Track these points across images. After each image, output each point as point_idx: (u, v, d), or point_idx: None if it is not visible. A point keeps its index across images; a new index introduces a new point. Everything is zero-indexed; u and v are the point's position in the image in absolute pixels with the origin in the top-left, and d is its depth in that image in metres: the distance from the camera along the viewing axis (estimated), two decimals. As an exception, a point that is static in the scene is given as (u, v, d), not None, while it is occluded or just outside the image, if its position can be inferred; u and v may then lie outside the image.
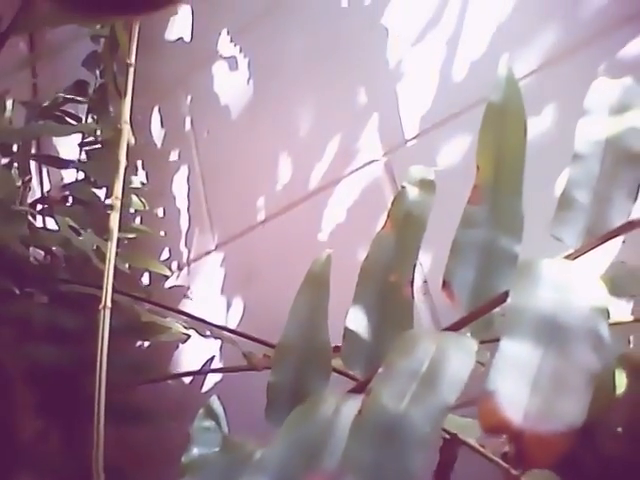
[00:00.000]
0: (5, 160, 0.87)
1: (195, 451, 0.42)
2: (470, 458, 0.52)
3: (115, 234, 0.45)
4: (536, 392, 0.22)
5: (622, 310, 0.50)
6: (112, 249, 0.45)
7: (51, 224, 0.92)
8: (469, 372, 0.28)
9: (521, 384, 0.22)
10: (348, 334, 0.38)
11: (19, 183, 0.86)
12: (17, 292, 0.70)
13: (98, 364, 0.40)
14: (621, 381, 0.48)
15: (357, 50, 0.80)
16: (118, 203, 0.46)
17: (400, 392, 0.26)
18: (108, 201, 0.89)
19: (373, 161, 0.76)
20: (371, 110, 0.77)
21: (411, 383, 0.27)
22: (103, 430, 0.48)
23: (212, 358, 0.86)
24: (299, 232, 0.81)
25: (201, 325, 0.77)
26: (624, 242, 0.56)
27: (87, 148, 0.94)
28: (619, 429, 0.48)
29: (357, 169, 0.77)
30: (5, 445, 0.83)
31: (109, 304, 0.45)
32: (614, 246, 0.56)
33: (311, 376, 0.39)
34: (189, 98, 0.98)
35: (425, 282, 0.69)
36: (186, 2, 0.97)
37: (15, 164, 0.87)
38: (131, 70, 0.58)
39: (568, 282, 0.27)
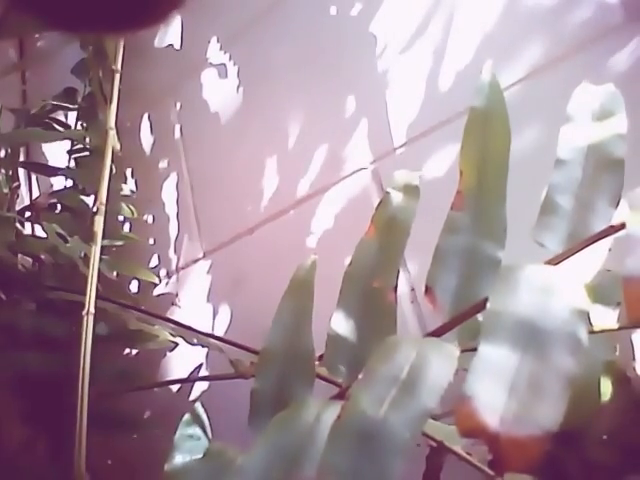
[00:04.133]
0: (-7, 167, 0.87)
1: (178, 458, 0.42)
2: (457, 466, 0.52)
3: (99, 239, 0.45)
4: (513, 396, 0.22)
5: (608, 318, 0.50)
6: (96, 254, 0.45)
7: (39, 232, 0.91)
8: (449, 378, 0.27)
9: (498, 388, 0.22)
10: (331, 340, 0.38)
11: (6, 190, 0.85)
12: (3, 298, 0.69)
13: (81, 370, 0.40)
14: (606, 389, 0.48)
15: (346, 58, 0.81)
16: (103, 208, 0.46)
17: (380, 397, 0.26)
18: (96, 208, 0.89)
19: (361, 169, 0.76)
20: (359, 118, 0.78)
21: (391, 388, 0.27)
22: (85, 437, 0.47)
23: (199, 366, 0.86)
24: (287, 240, 0.81)
25: (188, 333, 0.76)
26: (610, 250, 0.56)
27: (76, 155, 0.93)
28: (604, 436, 0.48)
29: (345, 177, 0.77)
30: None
31: (92, 310, 0.45)
32: (600, 255, 0.56)
33: (294, 382, 0.39)
34: (178, 105, 0.98)
35: (413, 290, 0.69)
36: (178, 14, 0.97)
37: (2, 171, 0.87)
38: (117, 76, 0.58)
39: (548, 286, 0.27)
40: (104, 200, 0.47)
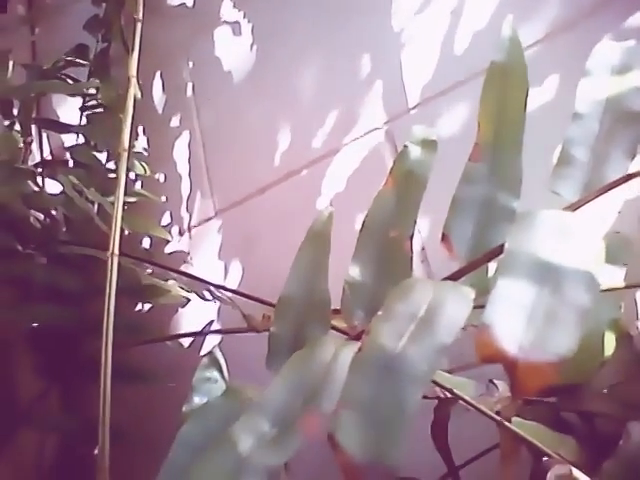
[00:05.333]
0: (6, 122, 0.87)
1: (196, 400, 0.43)
2: (463, 418, 0.54)
3: (122, 179, 0.46)
4: (530, 325, 0.23)
5: (615, 277, 0.51)
6: (120, 192, 0.46)
7: (50, 188, 0.92)
8: (465, 317, 0.28)
9: (516, 318, 0.23)
10: (348, 286, 0.39)
11: (21, 145, 0.86)
12: (20, 250, 0.70)
13: (105, 313, 0.41)
14: (610, 345, 0.49)
15: (361, 17, 0.80)
16: (125, 154, 0.47)
17: (398, 332, 0.27)
18: (109, 165, 0.90)
19: (375, 129, 0.76)
20: (374, 78, 0.77)
21: (409, 324, 0.28)
22: (110, 387, 0.48)
23: (211, 322, 0.87)
24: (299, 200, 0.82)
25: (202, 286, 0.77)
26: (619, 213, 0.57)
27: (88, 112, 0.93)
28: (604, 390, 0.50)
29: (358, 137, 0.77)
30: (6, 404, 0.84)
31: (117, 251, 0.46)
32: (609, 217, 0.57)
33: (311, 328, 0.40)
34: (191, 63, 0.98)
35: (423, 249, 0.70)
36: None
37: (17, 126, 0.87)
38: (138, 25, 0.58)
39: (565, 229, 0.28)
40: (126, 145, 0.48)
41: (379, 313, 0.29)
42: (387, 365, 0.26)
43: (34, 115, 0.99)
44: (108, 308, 0.42)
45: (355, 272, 0.40)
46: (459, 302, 0.29)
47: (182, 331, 0.91)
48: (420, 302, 0.29)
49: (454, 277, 0.35)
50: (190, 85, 0.97)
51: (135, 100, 0.53)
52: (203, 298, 0.81)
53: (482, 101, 0.39)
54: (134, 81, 0.54)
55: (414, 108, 0.74)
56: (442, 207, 0.42)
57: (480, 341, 0.23)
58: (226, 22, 0.94)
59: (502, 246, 0.31)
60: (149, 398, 0.87)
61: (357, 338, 0.35)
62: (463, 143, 0.49)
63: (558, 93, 0.65)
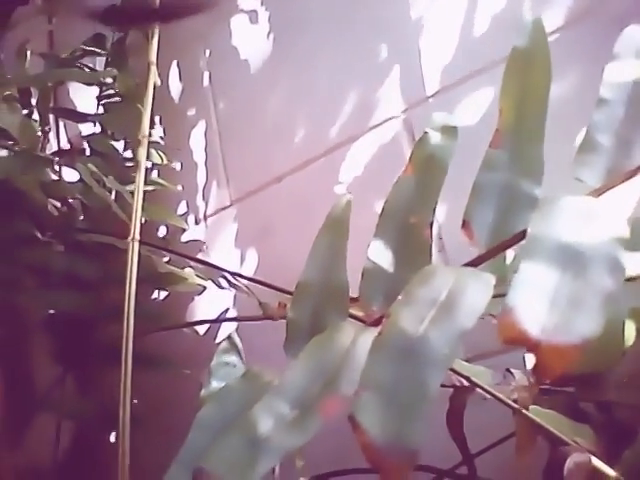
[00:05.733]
0: (25, 111, 0.88)
1: (214, 384, 0.43)
2: (478, 407, 0.54)
3: (143, 165, 0.46)
4: (553, 309, 0.23)
5: (636, 265, 0.50)
6: (140, 178, 0.46)
7: (67, 177, 0.93)
8: (486, 303, 0.28)
9: (539, 301, 0.23)
10: (367, 272, 0.39)
11: (39, 133, 0.87)
12: (40, 238, 0.71)
13: (126, 299, 0.41)
14: (630, 334, 0.49)
15: (379, 4, 0.79)
16: (146, 140, 0.47)
17: (419, 316, 0.27)
18: (126, 154, 0.90)
19: (393, 117, 0.76)
20: (392, 65, 0.77)
21: (430, 309, 0.28)
22: (130, 375, 0.48)
23: (226, 310, 0.88)
24: (316, 188, 0.82)
25: (218, 274, 0.78)
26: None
27: (104, 102, 0.94)
28: (624, 379, 0.49)
29: (376, 125, 0.77)
30: (24, 390, 0.85)
31: (137, 237, 0.46)
32: (631, 203, 0.56)
33: (329, 313, 0.40)
34: (208, 52, 0.98)
35: (441, 239, 0.69)
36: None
37: (34, 115, 0.88)
38: (156, 12, 0.58)
39: (588, 214, 0.28)
40: (147, 132, 0.48)
41: (399, 297, 0.29)
42: (408, 348, 0.26)
43: (51, 104, 1.00)
44: (129, 294, 0.42)
45: (374, 258, 0.40)
46: (480, 288, 0.29)
47: (197, 319, 0.92)
48: (441, 287, 0.29)
49: (474, 263, 0.34)
50: (207, 74, 0.97)
51: (155, 87, 0.53)
52: (219, 286, 0.81)
53: (504, 87, 0.39)
54: (154, 68, 0.55)
55: (432, 96, 0.73)
56: (459, 195, 0.42)
57: (503, 323, 0.23)
58: (243, 11, 0.94)
59: (523, 233, 0.30)
60: (164, 385, 0.87)
61: (375, 324, 0.35)
62: (482, 131, 0.48)
63: (578, 80, 0.64)
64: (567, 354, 0.22)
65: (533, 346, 0.22)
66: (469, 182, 0.42)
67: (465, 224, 0.36)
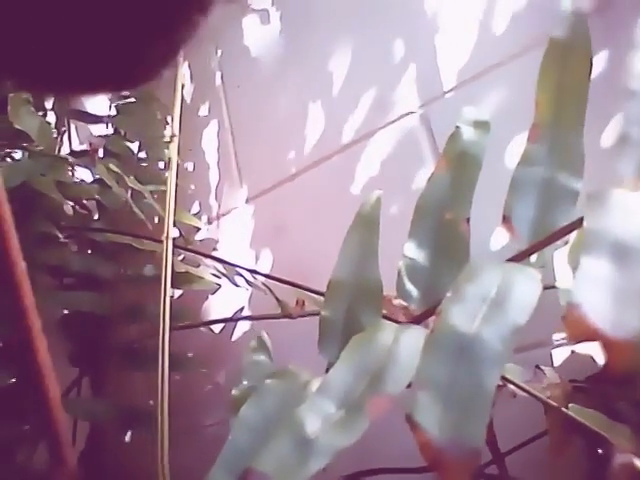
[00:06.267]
0: (40, 113, 0.87)
1: (245, 383, 0.43)
2: (506, 408, 0.53)
3: (175, 161, 0.45)
4: (618, 303, 0.22)
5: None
6: (173, 176, 0.46)
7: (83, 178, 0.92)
8: (536, 297, 0.28)
9: (603, 296, 0.23)
10: (404, 269, 0.39)
11: (55, 135, 0.86)
12: (59, 238, 0.71)
13: (162, 296, 0.41)
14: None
15: (394, 0, 0.79)
16: (176, 139, 0.47)
17: (471, 314, 0.27)
18: (141, 154, 0.90)
19: (409, 113, 0.75)
20: (408, 61, 0.77)
21: (481, 306, 0.27)
22: (168, 374, 0.47)
23: (242, 308, 0.87)
24: (331, 186, 0.81)
25: (233, 273, 0.77)
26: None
27: (117, 103, 0.94)
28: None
29: (393, 121, 0.77)
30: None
31: (172, 235, 0.46)
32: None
33: (363, 311, 0.40)
34: (219, 52, 0.97)
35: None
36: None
37: (50, 117, 0.88)
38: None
39: (637, 208, 0.28)
40: (177, 127, 0.48)
41: (448, 295, 0.29)
42: (461, 347, 0.26)
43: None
44: (165, 291, 0.42)
45: (411, 254, 0.39)
46: (528, 283, 0.29)
47: (212, 318, 0.91)
48: (490, 284, 0.28)
49: (517, 259, 0.34)
50: (219, 74, 0.96)
51: (183, 87, 0.53)
52: (235, 284, 0.81)
53: (541, 79, 0.38)
54: (181, 68, 0.54)
55: (449, 92, 0.73)
56: (481, 193, 0.42)
57: (571, 320, 0.22)
58: (254, 10, 0.93)
59: (569, 227, 0.30)
60: (179, 384, 0.87)
61: (417, 322, 0.35)
62: (500, 126, 0.48)
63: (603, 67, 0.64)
64: (638, 350, 0.21)
65: (605, 341, 0.21)
66: (489, 174, 0.42)
67: (505, 219, 0.36)
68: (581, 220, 0.29)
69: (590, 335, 0.22)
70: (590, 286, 0.24)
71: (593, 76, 0.63)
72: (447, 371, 0.25)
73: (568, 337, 0.22)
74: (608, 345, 0.21)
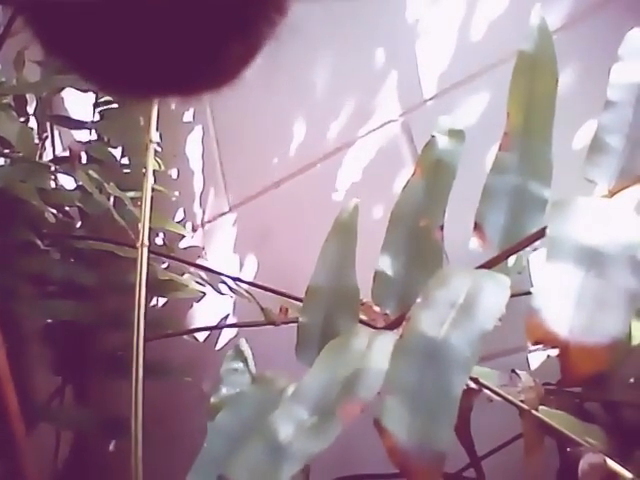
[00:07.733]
0: (21, 119, 0.87)
1: (224, 391, 0.43)
2: (484, 408, 0.54)
3: (151, 168, 0.46)
4: (579, 309, 0.23)
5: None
6: (148, 185, 0.46)
7: (64, 184, 0.92)
8: (504, 303, 0.29)
9: (564, 302, 0.23)
10: (379, 275, 0.39)
11: (37, 141, 0.86)
12: (40, 245, 0.70)
13: (136, 304, 0.41)
14: (637, 334, 0.49)
15: (375, 8, 0.80)
16: (152, 146, 0.47)
17: (439, 319, 0.28)
18: (124, 160, 0.90)
19: (390, 121, 0.76)
20: (389, 70, 0.77)
21: (449, 311, 0.28)
22: (142, 383, 0.48)
23: (226, 316, 0.87)
24: (314, 193, 0.82)
25: (218, 280, 0.77)
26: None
27: (101, 109, 0.94)
28: (631, 380, 0.49)
29: (375, 129, 0.77)
30: (23, 400, 0.84)
31: (146, 242, 0.46)
32: None
33: (340, 317, 0.40)
34: (203, 59, 0.97)
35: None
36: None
37: (31, 123, 0.88)
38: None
39: (605, 215, 0.28)
40: (155, 134, 0.48)
41: (418, 300, 0.29)
42: (430, 352, 0.27)
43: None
44: (139, 300, 0.42)
45: (386, 262, 0.40)
46: (497, 289, 0.29)
47: (196, 326, 0.91)
48: (459, 290, 0.29)
49: (488, 265, 0.35)
50: (203, 80, 0.97)
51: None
52: (220, 292, 0.81)
53: (511, 90, 0.39)
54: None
55: (430, 100, 0.74)
56: (456, 198, 0.42)
57: (531, 325, 0.23)
58: (239, 17, 0.93)
59: (537, 233, 0.31)
60: (163, 392, 0.87)
61: (390, 328, 0.35)
62: (479, 134, 0.49)
63: (579, 79, 0.65)
64: (596, 355, 0.22)
65: (562, 346, 0.22)
66: (465, 185, 0.42)
67: (477, 226, 0.36)
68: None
69: (549, 340, 0.22)
70: (551, 292, 0.24)
71: (568, 87, 0.64)
72: (415, 376, 0.26)
73: (529, 341, 0.23)
74: (564, 350, 0.22)
